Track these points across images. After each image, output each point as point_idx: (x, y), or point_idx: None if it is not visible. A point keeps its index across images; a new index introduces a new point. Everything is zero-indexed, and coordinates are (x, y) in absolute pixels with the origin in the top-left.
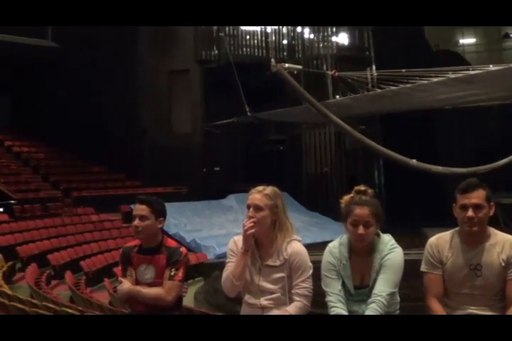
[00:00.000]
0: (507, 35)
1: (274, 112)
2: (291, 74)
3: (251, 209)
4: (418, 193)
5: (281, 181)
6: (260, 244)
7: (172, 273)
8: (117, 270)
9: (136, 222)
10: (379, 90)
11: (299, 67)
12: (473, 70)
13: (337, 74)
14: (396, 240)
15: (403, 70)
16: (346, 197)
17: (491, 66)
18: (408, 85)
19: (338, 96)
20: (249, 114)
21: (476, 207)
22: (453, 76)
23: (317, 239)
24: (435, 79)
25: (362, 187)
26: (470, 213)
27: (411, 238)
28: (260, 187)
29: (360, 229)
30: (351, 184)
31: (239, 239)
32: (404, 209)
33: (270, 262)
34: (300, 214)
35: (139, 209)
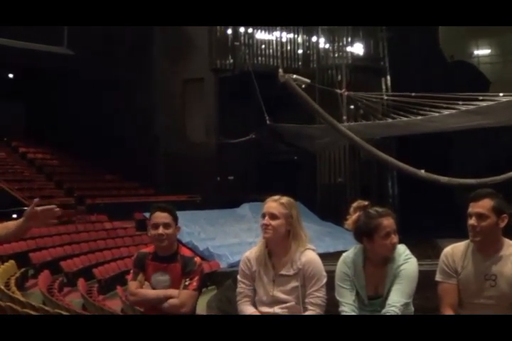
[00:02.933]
0: None
1: (290, 127)
2: (305, 89)
3: (266, 217)
4: (431, 204)
5: (295, 191)
6: (274, 253)
7: (187, 283)
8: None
9: (161, 230)
10: (390, 120)
11: (308, 80)
12: (482, 99)
13: (347, 93)
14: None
15: (412, 94)
16: (353, 217)
17: (500, 94)
18: (418, 117)
19: (345, 118)
20: (268, 122)
21: (480, 216)
22: (463, 108)
23: (330, 249)
24: (446, 112)
25: (365, 202)
26: (472, 221)
27: (424, 249)
28: (276, 197)
29: (394, 238)
30: (365, 194)
31: (251, 256)
32: (418, 219)
33: (284, 271)
34: (313, 224)
35: (162, 216)
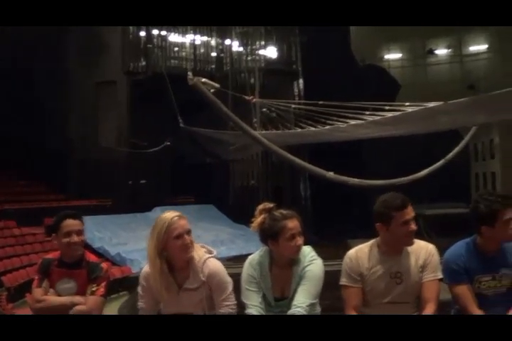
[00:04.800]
0: (431, 51)
1: (203, 131)
2: (219, 93)
3: (186, 236)
4: (344, 205)
5: (208, 193)
6: (175, 267)
7: (94, 289)
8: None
9: (76, 238)
10: (299, 129)
11: (217, 85)
12: (388, 109)
13: (254, 100)
14: (321, 251)
15: (320, 102)
16: (258, 220)
17: (406, 103)
18: (327, 127)
19: (256, 124)
20: (182, 125)
21: (415, 220)
22: (370, 118)
23: (243, 252)
24: (353, 122)
25: (270, 205)
26: (414, 227)
27: (336, 249)
28: (176, 213)
29: (299, 240)
30: (277, 196)
31: (151, 272)
32: (331, 220)
33: (188, 285)
34: (226, 227)
35: (75, 224)
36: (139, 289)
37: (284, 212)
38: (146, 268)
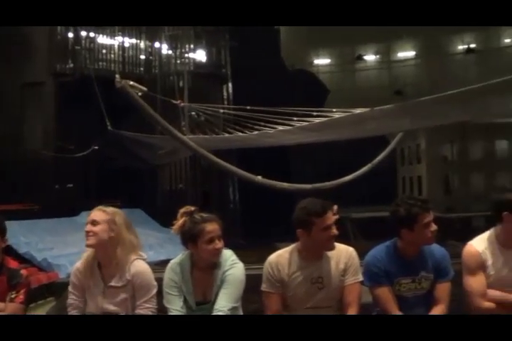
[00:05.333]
0: (360, 57)
1: (131, 135)
2: (147, 96)
3: (88, 224)
4: (273, 208)
5: (135, 197)
6: (103, 263)
7: (13, 296)
8: None
9: None
10: (227, 135)
11: (144, 88)
12: (316, 115)
13: (182, 104)
14: (249, 255)
15: (248, 107)
16: (179, 222)
17: (334, 109)
18: (255, 133)
19: (184, 128)
20: (109, 128)
21: (336, 224)
22: (298, 124)
23: (171, 256)
24: (281, 128)
25: (191, 208)
26: (335, 231)
27: (264, 252)
28: (101, 206)
29: (218, 244)
30: (206, 200)
31: (81, 267)
32: (260, 224)
33: (113, 283)
34: (155, 231)
35: None
36: (70, 286)
37: (204, 215)
38: (77, 263)
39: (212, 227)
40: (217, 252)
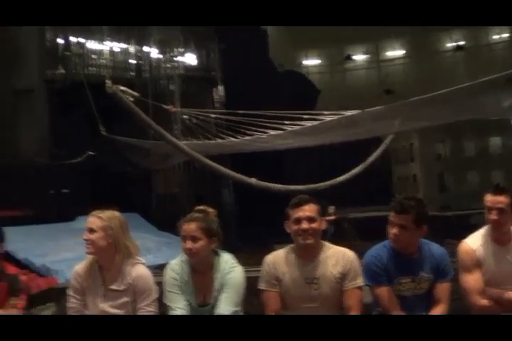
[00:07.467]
0: (349, 57)
1: (125, 140)
2: (139, 101)
3: (85, 232)
4: (268, 210)
5: (131, 202)
6: (103, 267)
7: (13, 302)
8: None
9: None
10: (220, 140)
11: (136, 94)
12: (307, 118)
13: (174, 109)
14: (246, 257)
15: (239, 111)
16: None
17: (325, 112)
18: (247, 138)
19: (176, 132)
20: (103, 133)
21: (310, 220)
22: (289, 128)
23: (169, 259)
24: (272, 132)
25: (201, 207)
26: (304, 225)
27: (262, 255)
28: (97, 211)
29: (188, 244)
30: (199, 203)
31: (81, 271)
32: (257, 226)
33: (114, 286)
34: (151, 235)
35: None
36: (69, 290)
37: (193, 214)
38: (76, 267)
39: (187, 227)
40: (188, 252)
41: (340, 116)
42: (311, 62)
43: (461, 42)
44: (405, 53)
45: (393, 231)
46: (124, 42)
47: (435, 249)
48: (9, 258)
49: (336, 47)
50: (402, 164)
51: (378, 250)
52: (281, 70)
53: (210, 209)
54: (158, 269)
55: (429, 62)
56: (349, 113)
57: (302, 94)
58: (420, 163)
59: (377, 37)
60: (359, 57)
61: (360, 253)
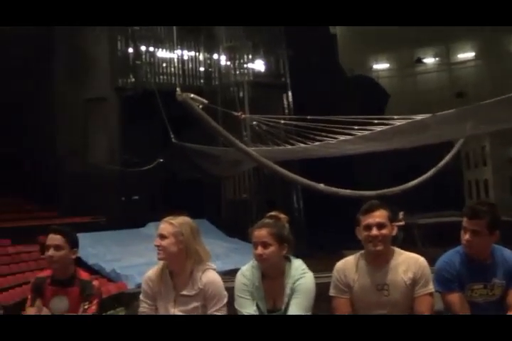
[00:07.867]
0: (419, 60)
1: (195, 147)
2: (209, 108)
3: (157, 238)
4: (339, 216)
5: (200, 208)
6: (174, 273)
7: (86, 307)
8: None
9: (51, 252)
10: (289, 146)
11: (205, 101)
12: (377, 123)
13: (243, 116)
14: (316, 263)
15: (308, 117)
16: None
17: (395, 117)
18: (316, 143)
19: (246, 138)
20: (173, 140)
21: (380, 226)
22: (359, 133)
23: (238, 265)
24: (342, 137)
25: (273, 213)
26: (374, 232)
27: (332, 261)
28: (168, 217)
29: (258, 250)
30: (271, 209)
31: (153, 276)
32: (326, 232)
33: (185, 292)
34: (220, 241)
35: (53, 239)
36: (141, 295)
37: (264, 220)
38: (148, 272)
39: (258, 233)
40: (258, 258)
41: (411, 120)
42: (381, 66)
43: None
44: (476, 55)
45: (466, 236)
46: (194, 50)
47: (508, 254)
48: (80, 263)
49: (405, 50)
50: (473, 168)
51: (451, 256)
52: (351, 75)
53: (282, 215)
54: (227, 275)
55: (501, 64)
56: (420, 117)
57: (372, 98)
58: (492, 167)
59: (447, 39)
60: (429, 60)
61: (430, 259)
